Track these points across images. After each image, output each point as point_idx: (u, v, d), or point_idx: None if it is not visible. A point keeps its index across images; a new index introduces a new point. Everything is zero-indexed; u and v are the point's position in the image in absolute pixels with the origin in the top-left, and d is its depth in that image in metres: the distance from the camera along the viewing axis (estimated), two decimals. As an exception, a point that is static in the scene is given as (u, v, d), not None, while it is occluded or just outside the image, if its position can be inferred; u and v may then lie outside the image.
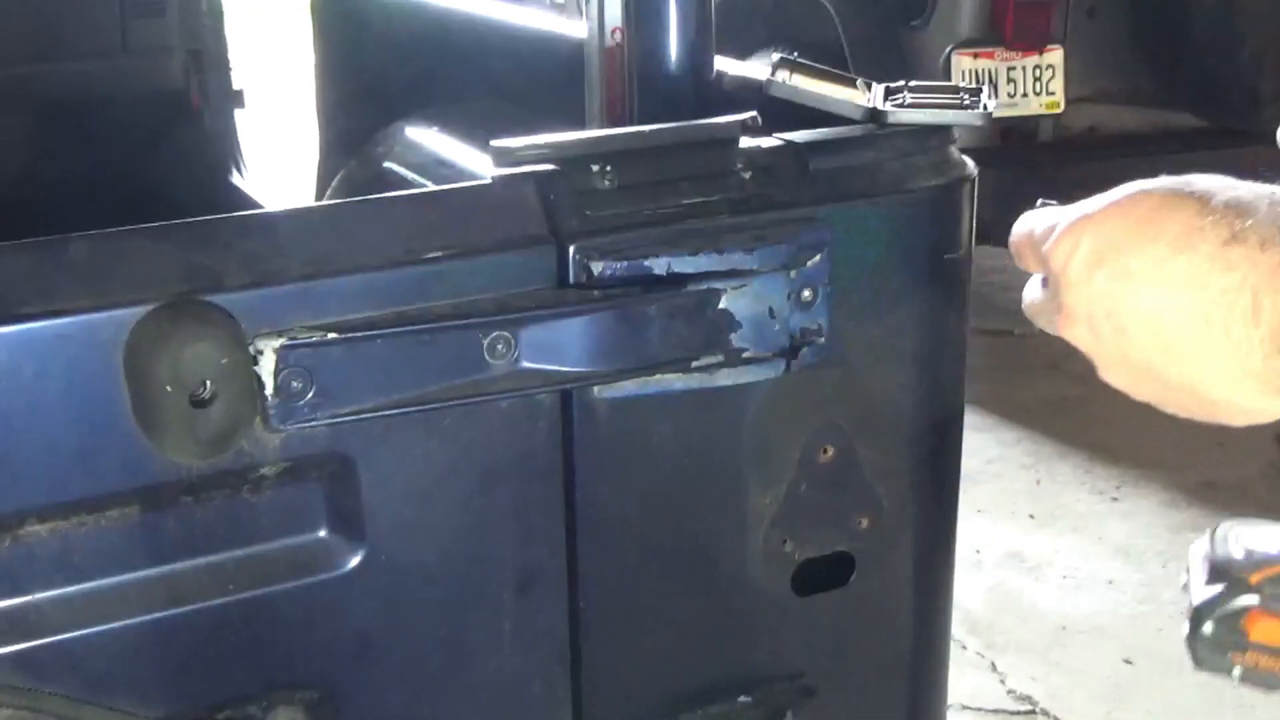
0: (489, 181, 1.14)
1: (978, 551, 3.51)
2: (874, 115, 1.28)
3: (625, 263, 1.12)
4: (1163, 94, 4.63)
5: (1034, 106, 4.21)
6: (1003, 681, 3.04)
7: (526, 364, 1.09)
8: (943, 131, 1.28)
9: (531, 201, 1.13)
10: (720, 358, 1.17)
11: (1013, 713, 2.96)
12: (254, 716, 1.10)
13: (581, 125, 1.73)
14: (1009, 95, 4.14)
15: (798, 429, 1.25)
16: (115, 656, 1.05)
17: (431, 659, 1.17)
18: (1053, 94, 4.20)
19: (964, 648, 3.11)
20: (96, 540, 1.03)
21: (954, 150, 1.28)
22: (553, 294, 1.11)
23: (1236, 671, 0.84)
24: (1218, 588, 0.84)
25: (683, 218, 1.16)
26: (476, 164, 2.15)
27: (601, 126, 1.70)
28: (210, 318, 0.99)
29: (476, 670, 1.19)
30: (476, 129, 2.32)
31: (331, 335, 1.03)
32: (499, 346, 1.08)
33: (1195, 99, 4.61)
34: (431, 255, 1.07)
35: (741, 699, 1.30)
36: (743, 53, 4.15)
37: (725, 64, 1.67)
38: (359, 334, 1.04)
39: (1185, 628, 0.86)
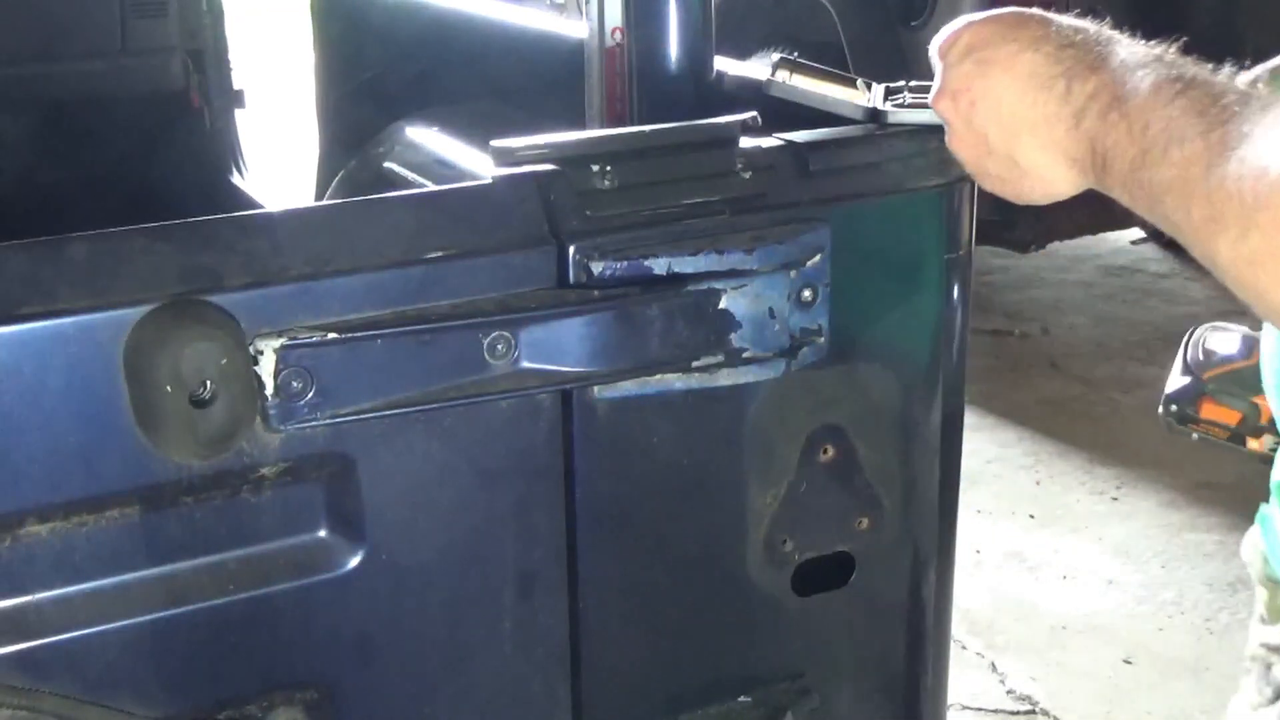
0: (489, 181, 1.14)
1: (978, 551, 3.51)
2: (874, 115, 1.28)
3: (625, 263, 1.12)
4: (1163, 94, 4.61)
5: (1034, 106, 4.19)
6: (1003, 681, 3.04)
7: (526, 364, 1.09)
8: (943, 131, 1.27)
9: (531, 201, 1.13)
10: (720, 358, 1.17)
11: (1013, 713, 2.95)
12: (254, 716, 1.10)
13: (581, 125, 1.73)
14: (1009, 95, 4.13)
15: (798, 429, 1.25)
16: (115, 656, 1.05)
17: (431, 659, 1.17)
18: (1053, 94, 4.18)
19: (964, 648, 3.11)
20: (96, 540, 1.03)
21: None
22: (553, 294, 1.11)
23: (1195, 437, 1.19)
24: (1185, 380, 1.18)
25: (683, 218, 1.16)
26: (476, 164, 2.15)
27: (601, 126, 1.70)
28: (210, 318, 0.99)
29: (476, 670, 1.19)
30: (476, 129, 2.32)
31: (331, 335, 1.03)
32: (499, 347, 1.08)
33: (1196, 99, 4.59)
34: (431, 255, 1.07)
35: (741, 699, 1.30)
36: (743, 53, 4.14)
37: (725, 64, 1.66)
38: (359, 334, 1.04)
39: (1160, 408, 1.21)
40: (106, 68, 3.32)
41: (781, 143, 1.24)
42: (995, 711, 2.95)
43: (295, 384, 1.02)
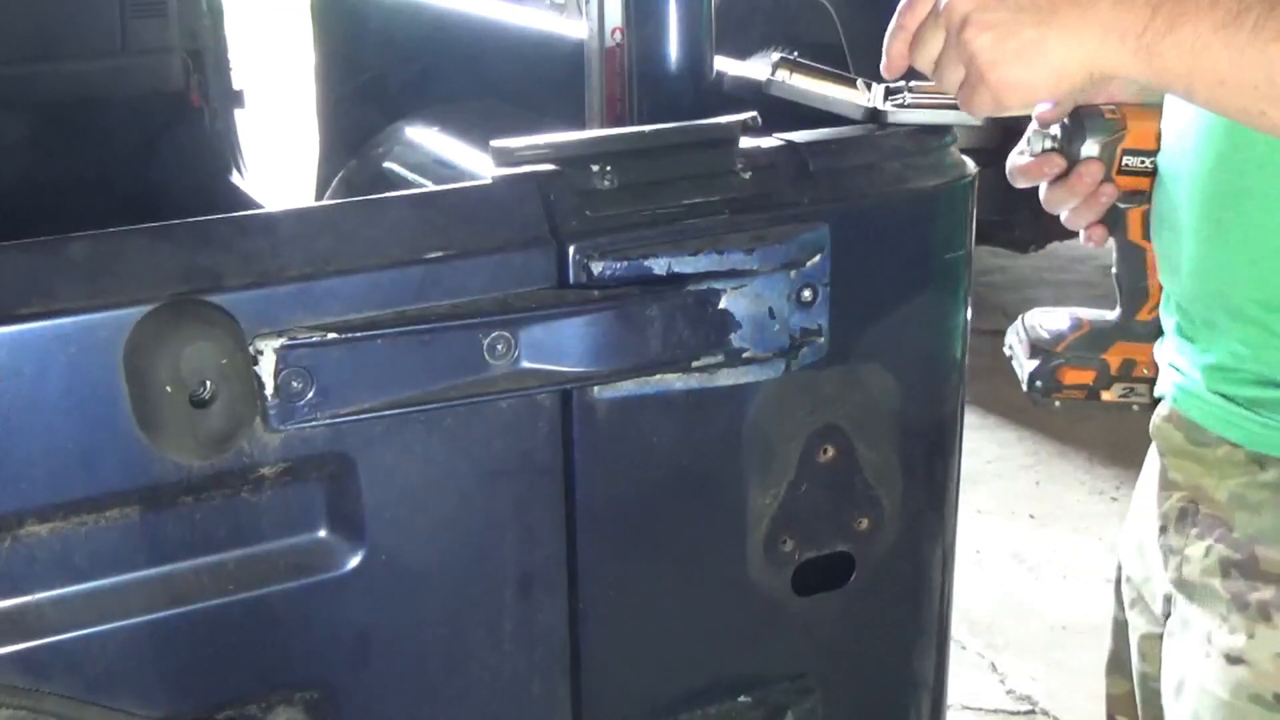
0: (489, 181, 1.14)
1: (978, 551, 3.51)
2: (874, 115, 1.28)
3: (625, 263, 1.12)
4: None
5: (1034, 106, 4.20)
6: (1003, 681, 3.04)
7: (526, 364, 1.09)
8: (943, 131, 1.28)
9: (531, 201, 1.13)
10: (720, 358, 1.17)
11: (1013, 713, 2.95)
12: (254, 716, 1.10)
13: (581, 125, 1.73)
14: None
15: (798, 429, 1.25)
16: (115, 656, 1.05)
17: (431, 659, 1.17)
18: (1053, 94, 4.18)
19: (964, 648, 3.11)
20: (96, 540, 1.03)
21: (954, 150, 1.28)
22: (553, 294, 1.11)
23: (1057, 404, 1.29)
24: (1038, 360, 1.28)
25: (683, 218, 1.16)
26: (476, 164, 2.15)
27: (601, 126, 1.70)
28: (210, 318, 0.99)
29: (476, 670, 1.19)
30: (476, 129, 2.32)
31: (331, 335, 1.03)
32: (499, 346, 1.08)
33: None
34: (431, 255, 1.07)
35: (741, 699, 1.30)
36: (743, 53, 4.15)
37: (725, 64, 1.67)
38: (359, 334, 1.04)
39: (1024, 387, 1.30)
40: (106, 68, 3.32)
41: (781, 143, 1.24)
42: (995, 711, 2.95)
43: (295, 384, 1.02)
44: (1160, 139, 1.20)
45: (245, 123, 3.62)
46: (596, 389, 1.15)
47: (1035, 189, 1.24)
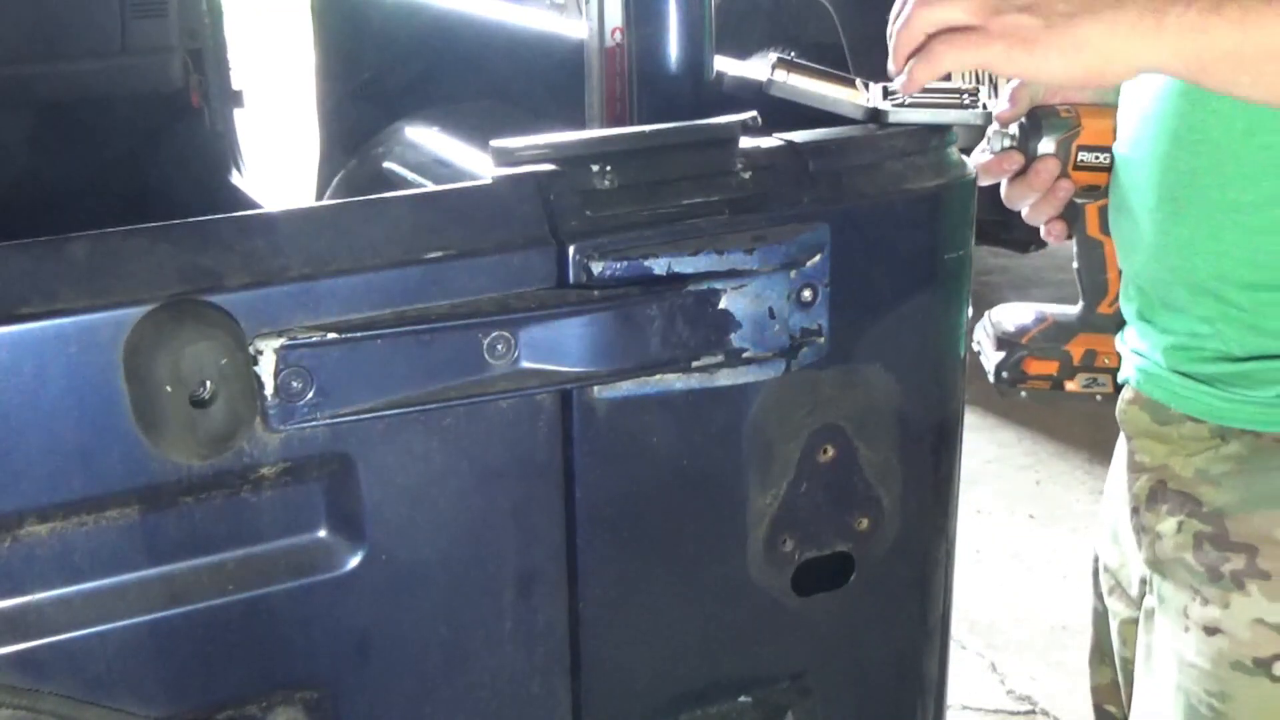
0: (489, 181, 1.14)
1: (978, 551, 3.51)
2: (873, 115, 1.28)
3: (625, 263, 1.12)
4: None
5: (1034, 106, 4.20)
6: (1003, 681, 3.04)
7: (526, 364, 1.09)
8: (943, 131, 1.28)
9: (531, 201, 1.13)
10: (720, 358, 1.17)
11: (1012, 713, 2.96)
12: (254, 716, 1.11)
13: (581, 125, 1.73)
14: (1009, 95, 4.13)
15: (798, 429, 1.25)
16: (115, 656, 1.05)
17: (431, 659, 1.17)
18: (1053, 93, 4.18)
19: (964, 648, 3.12)
20: (96, 540, 1.03)
21: (954, 150, 1.28)
22: (553, 294, 1.11)
23: (1023, 394, 1.38)
24: (1004, 352, 1.36)
25: (683, 218, 1.16)
26: (476, 164, 2.15)
27: (601, 126, 1.70)
28: (210, 318, 0.99)
29: (476, 670, 1.19)
30: (476, 129, 2.32)
31: (331, 335, 1.03)
32: (499, 347, 1.08)
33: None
34: (431, 255, 1.07)
35: (741, 699, 1.30)
36: (743, 53, 4.15)
37: (725, 64, 1.67)
38: (359, 334, 1.04)
39: (990, 378, 1.39)
40: (106, 68, 3.32)
41: (781, 143, 1.24)
42: (995, 711, 2.96)
43: (295, 384, 1.02)
44: (1115, 135, 1.26)
45: (245, 123, 3.62)
46: (596, 389, 1.15)
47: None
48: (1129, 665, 1.33)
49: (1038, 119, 1.27)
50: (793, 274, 1.17)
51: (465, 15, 2.52)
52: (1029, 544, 3.58)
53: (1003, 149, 1.29)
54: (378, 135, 2.65)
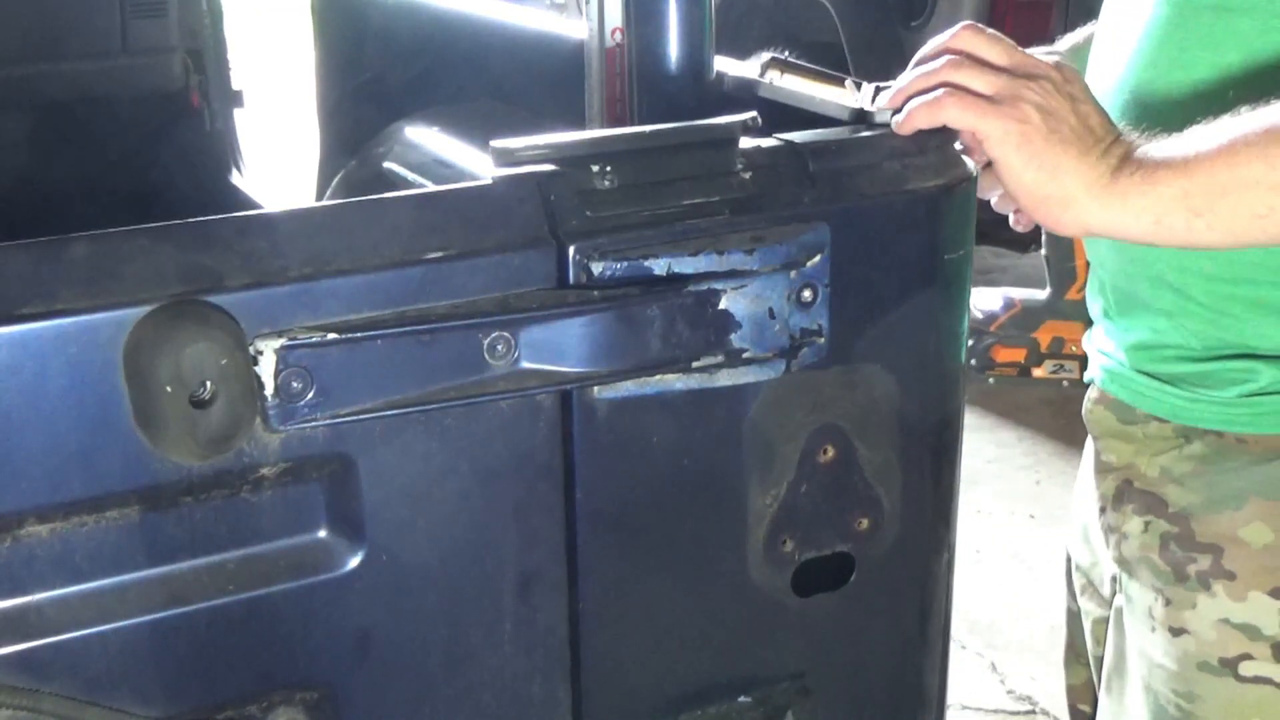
0: (489, 181, 1.14)
1: (978, 551, 3.51)
2: (860, 116, 1.28)
3: (625, 263, 1.12)
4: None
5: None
6: (1002, 681, 3.04)
7: (526, 364, 1.09)
8: (942, 131, 1.28)
9: (531, 201, 1.13)
10: (720, 358, 1.17)
11: (1012, 713, 2.96)
12: (254, 716, 1.11)
13: (581, 125, 1.73)
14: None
15: (798, 429, 1.25)
16: (115, 656, 1.05)
17: (431, 659, 1.17)
18: (1052, 94, 4.18)
19: (964, 648, 3.12)
20: (96, 540, 1.03)
21: (954, 150, 1.28)
22: (553, 294, 1.11)
23: (991, 381, 1.64)
24: (973, 339, 1.32)
25: (683, 218, 1.16)
26: (476, 164, 2.15)
27: (601, 126, 1.70)
28: (210, 318, 0.99)
29: (476, 670, 1.19)
30: (476, 129, 2.32)
31: (331, 335, 1.03)
32: (499, 347, 1.08)
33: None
34: (431, 255, 1.07)
35: (741, 699, 1.30)
36: (743, 53, 4.14)
37: (725, 64, 1.67)
38: (359, 334, 1.04)
39: None
40: (106, 68, 3.32)
41: (781, 143, 1.24)
42: (995, 711, 2.96)
43: (295, 384, 1.02)
44: None
45: (245, 123, 3.63)
46: (596, 389, 1.15)
47: None
48: (1103, 665, 1.34)
49: None
50: (793, 274, 1.17)
51: (465, 15, 2.52)
52: (1029, 544, 3.58)
53: None
54: (378, 135, 2.65)
